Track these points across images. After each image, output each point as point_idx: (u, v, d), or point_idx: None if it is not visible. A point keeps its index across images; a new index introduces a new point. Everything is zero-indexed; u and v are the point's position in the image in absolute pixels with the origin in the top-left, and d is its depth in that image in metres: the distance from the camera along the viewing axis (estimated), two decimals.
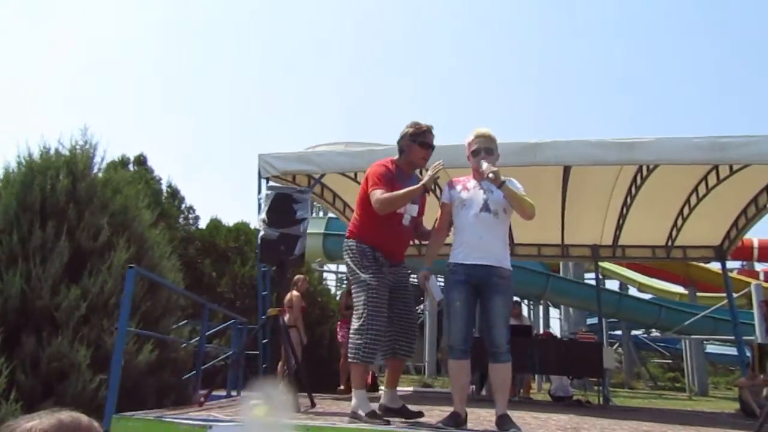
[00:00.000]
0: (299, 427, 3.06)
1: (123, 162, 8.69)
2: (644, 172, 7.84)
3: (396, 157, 3.73)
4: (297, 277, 7.65)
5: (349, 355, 3.48)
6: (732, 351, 24.85)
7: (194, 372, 5.25)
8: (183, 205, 9.40)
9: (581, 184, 8.05)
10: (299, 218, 4.59)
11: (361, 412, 3.32)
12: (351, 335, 3.48)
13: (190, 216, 9.49)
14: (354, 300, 3.56)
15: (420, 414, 3.47)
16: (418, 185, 3.46)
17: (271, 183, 6.71)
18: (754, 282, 13.91)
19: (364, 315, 3.41)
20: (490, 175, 3.31)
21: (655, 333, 26.22)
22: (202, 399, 4.45)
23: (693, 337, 16.94)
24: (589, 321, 21.13)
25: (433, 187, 3.57)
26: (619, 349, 25.28)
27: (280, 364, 7.27)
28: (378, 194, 3.47)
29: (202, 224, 9.30)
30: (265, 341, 7.60)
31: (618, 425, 4.45)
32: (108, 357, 3.85)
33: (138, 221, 4.60)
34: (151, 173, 8.94)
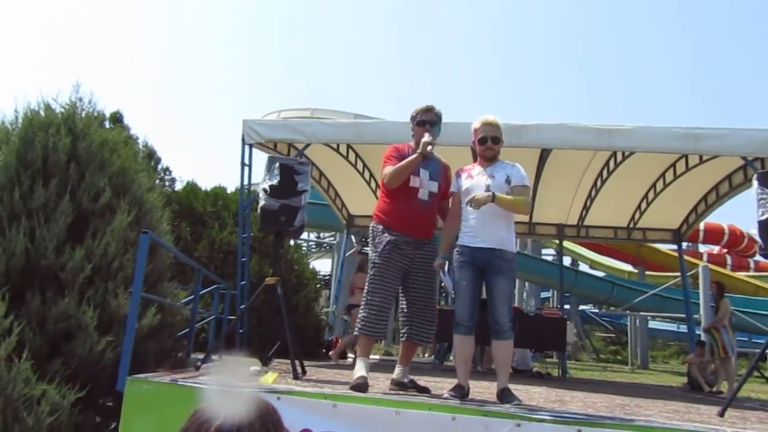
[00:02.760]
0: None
1: (98, 119, 8.36)
2: (618, 158, 8.15)
3: (411, 141, 3.92)
4: (362, 259, 7.95)
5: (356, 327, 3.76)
6: (671, 327, 26.24)
7: (183, 334, 5.30)
8: (159, 166, 9.21)
9: (556, 165, 8.31)
10: (300, 190, 4.63)
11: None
12: (360, 310, 3.76)
13: (167, 178, 9.32)
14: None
15: (427, 390, 3.67)
16: (416, 154, 3.65)
17: (270, 154, 6.75)
18: (701, 264, 14.72)
19: (367, 290, 3.69)
20: (472, 205, 3.44)
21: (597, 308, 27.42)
22: (199, 363, 4.53)
23: (641, 313, 17.81)
24: (543, 295, 21.93)
25: (429, 151, 3.63)
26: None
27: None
28: (386, 170, 3.73)
29: (178, 186, 9.17)
30: (242, 306, 7.68)
31: (592, 398, 4.75)
32: (112, 320, 3.89)
33: (137, 184, 4.56)
34: (128, 132, 8.70)
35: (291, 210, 4.60)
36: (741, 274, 22.81)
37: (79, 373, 3.56)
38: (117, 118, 8.81)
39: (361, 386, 3.43)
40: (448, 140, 6.70)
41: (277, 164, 4.62)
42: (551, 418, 2.90)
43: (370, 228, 3.83)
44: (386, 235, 3.66)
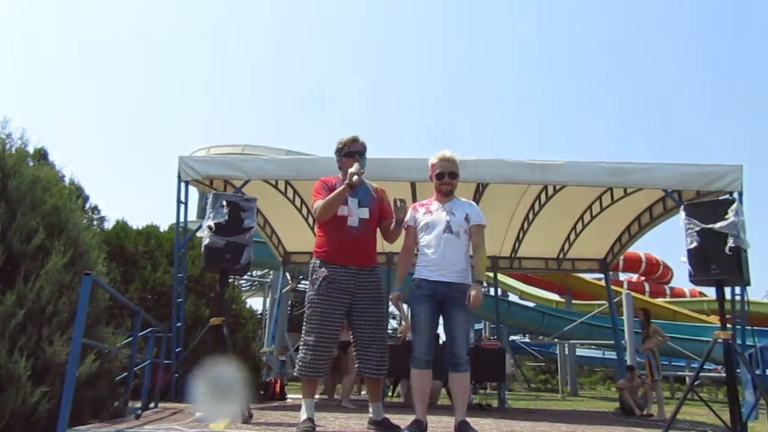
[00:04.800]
0: None
1: (22, 156, 7.90)
2: (549, 191, 8.52)
3: (339, 174, 3.93)
4: None
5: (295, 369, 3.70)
6: (597, 353, 27.18)
7: (119, 381, 5.01)
8: (87, 205, 8.77)
9: (490, 199, 8.58)
10: (247, 227, 4.55)
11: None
12: (299, 351, 3.69)
13: (95, 216, 8.86)
14: None
15: (397, 428, 3.59)
16: (344, 184, 3.67)
17: (201, 191, 6.58)
18: (624, 291, 15.40)
19: (304, 330, 3.64)
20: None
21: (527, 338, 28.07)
22: (139, 412, 4.30)
23: (570, 341, 18.35)
24: (476, 327, 22.24)
25: (356, 181, 3.64)
26: None
27: None
28: (315, 204, 3.77)
29: (107, 225, 8.75)
30: (178, 349, 7.34)
31: (540, 427, 4.82)
32: (47, 368, 3.62)
33: (72, 223, 4.32)
34: (54, 169, 8.22)
35: (237, 247, 4.51)
36: (659, 300, 24.02)
37: (10, 429, 3.28)
38: (42, 155, 8.38)
39: (307, 430, 3.41)
40: (383, 175, 6.83)
41: (224, 201, 4.53)
42: None
43: (310, 264, 3.79)
44: (323, 270, 3.65)
